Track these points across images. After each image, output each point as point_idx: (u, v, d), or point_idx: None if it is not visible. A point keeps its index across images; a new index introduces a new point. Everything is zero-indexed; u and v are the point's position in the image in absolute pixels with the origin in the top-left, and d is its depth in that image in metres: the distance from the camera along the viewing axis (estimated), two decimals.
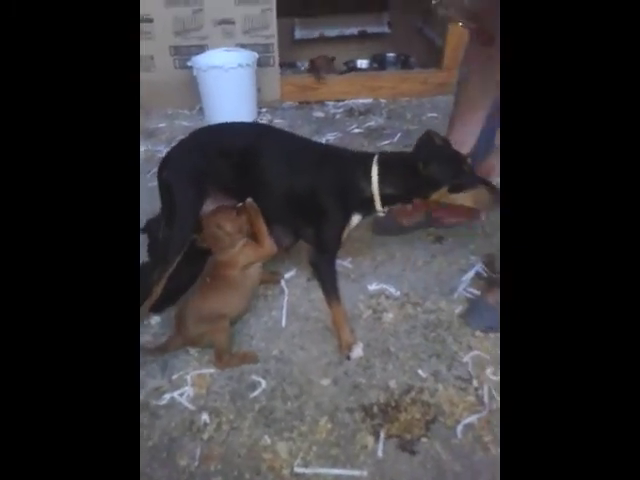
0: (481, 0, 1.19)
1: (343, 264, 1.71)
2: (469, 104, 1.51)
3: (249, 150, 1.41)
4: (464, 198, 1.26)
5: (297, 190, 1.36)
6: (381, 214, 1.38)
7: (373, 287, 1.61)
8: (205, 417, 1.21)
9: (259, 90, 2.94)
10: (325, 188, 1.33)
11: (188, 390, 1.28)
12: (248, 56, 2.78)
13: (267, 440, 1.16)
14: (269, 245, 1.39)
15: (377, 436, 1.16)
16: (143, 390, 1.27)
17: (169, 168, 1.45)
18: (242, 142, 1.43)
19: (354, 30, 3.71)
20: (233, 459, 1.13)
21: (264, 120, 2.90)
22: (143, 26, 2.81)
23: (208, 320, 1.31)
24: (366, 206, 1.33)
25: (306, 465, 1.11)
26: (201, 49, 2.92)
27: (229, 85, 2.72)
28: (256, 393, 1.27)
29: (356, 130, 2.73)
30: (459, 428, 1.17)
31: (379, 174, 1.29)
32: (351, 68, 3.40)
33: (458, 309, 1.51)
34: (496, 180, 1.23)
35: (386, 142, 2.54)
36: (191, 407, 1.24)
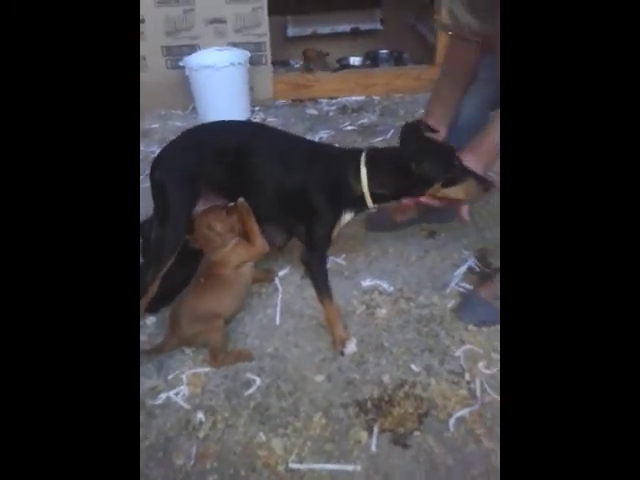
0: (492, 24, 1.19)
1: (337, 261, 1.73)
2: (440, 98, 1.53)
3: (241, 149, 1.42)
4: (456, 192, 1.27)
5: (288, 188, 1.37)
6: (373, 211, 1.39)
7: (367, 283, 1.62)
8: (200, 416, 1.22)
9: (252, 89, 2.94)
10: (316, 186, 1.33)
11: (183, 389, 1.29)
12: (240, 55, 2.78)
13: (262, 437, 1.17)
14: (261, 244, 1.39)
15: (371, 431, 1.17)
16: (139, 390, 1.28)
17: (161, 168, 1.45)
18: (234, 141, 1.44)
19: (347, 27, 3.71)
20: (229, 457, 1.14)
21: (257, 118, 2.91)
22: None
23: (202, 320, 1.32)
24: (357, 203, 1.34)
25: (301, 461, 1.12)
26: (193, 49, 2.92)
27: (221, 84, 2.72)
28: (251, 391, 1.28)
29: (349, 127, 2.74)
30: (451, 421, 1.18)
31: (368, 173, 1.29)
32: (344, 65, 3.41)
33: (451, 304, 1.52)
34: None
35: (379, 139, 2.55)
36: (187, 406, 1.25)
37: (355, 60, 3.48)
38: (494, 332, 1.41)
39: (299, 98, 3.12)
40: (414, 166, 1.23)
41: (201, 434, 1.18)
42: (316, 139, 2.59)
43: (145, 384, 1.30)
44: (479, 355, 1.35)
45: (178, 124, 2.84)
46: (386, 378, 1.30)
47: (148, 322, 1.49)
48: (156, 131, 2.77)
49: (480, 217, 1.89)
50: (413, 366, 1.32)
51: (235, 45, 2.93)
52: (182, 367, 1.35)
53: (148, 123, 2.85)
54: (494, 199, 1.95)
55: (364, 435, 1.17)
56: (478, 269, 1.66)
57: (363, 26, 3.74)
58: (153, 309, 1.48)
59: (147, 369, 1.33)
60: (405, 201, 1.32)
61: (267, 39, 2.97)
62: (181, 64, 2.76)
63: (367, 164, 1.30)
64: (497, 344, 1.37)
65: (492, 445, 1.13)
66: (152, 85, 2.91)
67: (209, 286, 1.36)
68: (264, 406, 1.24)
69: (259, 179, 1.41)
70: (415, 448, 1.14)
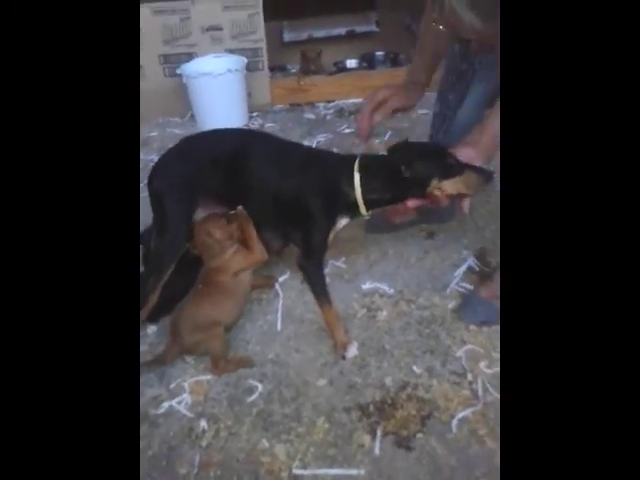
0: (494, 23, 1.19)
1: (337, 264, 1.73)
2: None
3: (238, 156, 1.42)
4: (456, 185, 1.25)
5: (284, 194, 1.37)
6: (367, 217, 1.39)
7: (367, 286, 1.62)
8: (203, 424, 1.22)
9: (249, 94, 2.95)
10: (311, 192, 1.34)
11: (186, 398, 1.29)
12: (237, 61, 2.79)
13: (265, 444, 1.17)
14: (259, 252, 1.40)
15: (374, 434, 1.17)
16: (141, 399, 1.28)
17: (159, 177, 1.46)
18: (230, 148, 1.45)
19: (342, 30, 3.72)
20: (232, 464, 1.14)
21: (255, 124, 2.92)
22: None
23: (203, 328, 1.33)
24: (352, 209, 1.34)
25: (304, 466, 1.12)
26: (190, 56, 2.94)
27: (219, 91, 2.73)
28: (253, 397, 1.28)
29: (347, 130, 2.74)
30: (454, 422, 1.17)
31: (361, 179, 1.29)
32: (340, 68, 3.40)
33: (451, 304, 1.52)
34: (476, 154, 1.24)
35: (377, 141, 2.55)
36: (189, 414, 1.25)
37: (351, 63, 3.48)
38: (495, 332, 1.40)
39: (296, 102, 3.13)
40: (404, 169, 1.23)
41: (204, 442, 1.18)
42: (314, 143, 2.60)
43: (147, 393, 1.30)
44: (480, 355, 1.34)
45: (176, 132, 2.85)
46: (388, 381, 1.30)
47: (149, 331, 1.49)
48: (155, 139, 2.78)
49: (479, 216, 1.89)
50: (415, 368, 1.32)
51: (232, 52, 2.94)
52: (184, 375, 1.35)
53: (146, 131, 2.86)
54: (493, 198, 1.95)
55: (367, 439, 1.17)
56: (478, 268, 1.65)
57: (359, 29, 3.74)
58: (154, 318, 1.49)
59: (149, 378, 1.34)
60: (410, 203, 1.29)
61: (264, 45, 2.98)
62: (178, 72, 2.77)
63: (360, 171, 1.30)
64: (498, 343, 1.36)
65: (495, 445, 1.12)
66: (150, 93, 2.91)
67: (208, 293, 1.36)
68: (267, 412, 1.24)
69: (256, 185, 1.41)
70: (418, 450, 1.13)
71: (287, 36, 3.68)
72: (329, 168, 1.35)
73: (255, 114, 3.01)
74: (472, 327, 1.43)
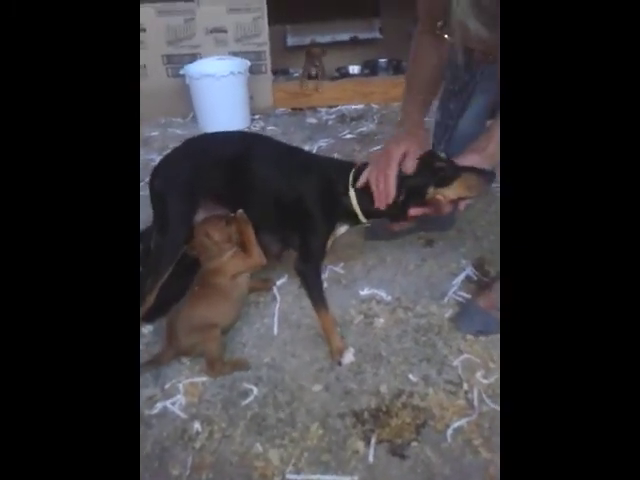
0: (494, 30, 1.19)
1: (335, 269, 1.73)
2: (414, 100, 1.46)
3: (240, 158, 1.43)
4: (456, 190, 1.24)
5: (284, 198, 1.37)
6: (367, 225, 1.39)
7: (364, 292, 1.62)
8: (197, 426, 1.22)
9: (252, 97, 2.96)
10: (310, 197, 1.34)
11: (180, 399, 1.28)
12: (240, 64, 2.81)
13: (259, 448, 1.17)
14: (258, 256, 1.40)
15: (368, 441, 1.17)
16: None
17: (161, 177, 1.46)
18: (233, 151, 1.45)
19: (346, 36, 3.74)
20: (225, 467, 1.13)
21: (257, 127, 2.92)
22: None
23: (199, 330, 1.32)
24: (351, 217, 1.34)
25: (298, 472, 1.12)
26: (194, 58, 2.95)
27: (221, 93, 2.75)
28: (248, 401, 1.27)
29: (348, 136, 2.75)
30: (449, 432, 1.17)
31: (356, 193, 1.29)
32: (343, 74, 3.43)
33: (448, 313, 1.52)
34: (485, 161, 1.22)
35: (378, 147, 2.56)
36: (183, 416, 1.24)
37: (354, 69, 3.51)
38: (492, 342, 1.40)
39: (299, 107, 3.14)
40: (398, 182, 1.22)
41: (197, 444, 1.18)
42: (315, 148, 2.61)
43: (142, 393, 1.30)
44: (477, 365, 1.34)
45: (178, 132, 2.86)
46: (384, 388, 1.29)
47: (145, 331, 1.48)
48: (156, 139, 2.79)
49: (478, 225, 1.90)
50: (411, 376, 1.32)
51: (235, 54, 2.96)
52: (179, 376, 1.35)
53: (148, 131, 2.86)
54: (493, 207, 1.96)
55: (361, 445, 1.16)
56: (476, 278, 1.66)
57: (362, 35, 3.77)
58: (150, 318, 1.48)
59: (144, 378, 1.33)
60: (413, 212, 1.28)
61: (267, 48, 3.00)
62: (182, 73, 2.78)
63: (355, 184, 1.29)
64: (495, 354, 1.37)
65: (490, 455, 1.12)
66: (152, 93, 2.93)
67: (204, 295, 1.36)
68: (261, 416, 1.24)
69: (257, 188, 1.42)
70: (412, 459, 1.13)
71: (291, 40, 3.70)
72: (328, 175, 1.35)
73: (257, 117, 3.02)
74: (469, 336, 1.43)
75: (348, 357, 1.36)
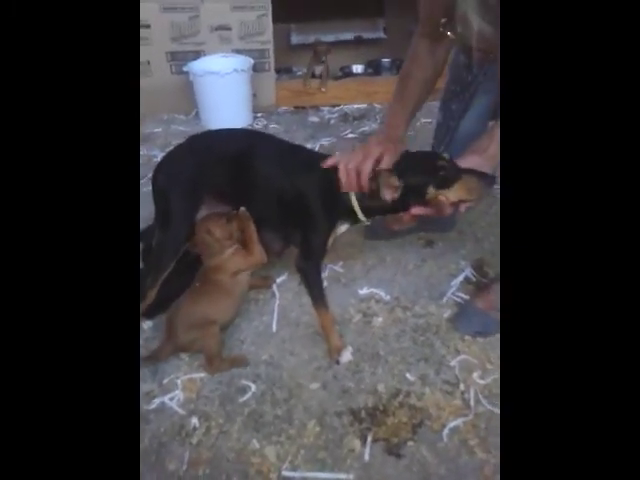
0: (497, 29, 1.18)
1: (334, 268, 1.73)
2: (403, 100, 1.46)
3: (243, 156, 1.43)
4: (457, 192, 1.22)
5: (287, 195, 1.37)
6: (367, 223, 1.39)
7: (364, 291, 1.63)
8: (194, 421, 1.22)
9: (255, 95, 2.96)
10: (312, 194, 1.34)
11: (178, 394, 1.29)
12: (244, 61, 2.80)
13: (255, 444, 1.17)
14: (259, 254, 1.40)
15: (364, 440, 1.17)
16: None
17: (163, 174, 1.46)
18: (236, 148, 1.45)
19: (350, 35, 3.73)
20: (221, 463, 1.14)
21: (259, 125, 2.93)
22: (140, 32, 2.83)
23: (198, 326, 1.33)
24: (351, 215, 1.34)
25: (294, 469, 1.12)
26: (198, 55, 2.95)
27: (225, 90, 2.75)
28: (246, 397, 1.28)
29: (350, 135, 2.75)
30: (445, 432, 1.18)
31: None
32: (346, 73, 3.42)
33: (447, 313, 1.52)
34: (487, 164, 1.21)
35: None
36: (181, 411, 1.25)
37: (357, 68, 3.50)
38: (489, 343, 1.41)
39: (301, 105, 3.14)
40: (398, 180, 1.22)
41: (194, 440, 1.18)
42: (317, 146, 2.61)
43: (140, 389, 1.30)
44: (474, 365, 1.35)
45: (181, 129, 2.86)
46: (381, 387, 1.30)
47: (145, 327, 1.49)
48: (159, 135, 2.79)
49: (479, 227, 1.90)
50: (408, 375, 1.33)
51: (239, 52, 2.96)
52: (177, 372, 1.35)
53: (151, 127, 2.86)
54: (493, 209, 1.96)
55: (358, 444, 1.17)
56: (475, 279, 1.66)
57: (366, 35, 3.75)
58: (150, 314, 1.49)
59: (142, 373, 1.34)
60: (414, 211, 1.26)
61: (271, 46, 3.00)
62: (185, 69, 2.78)
63: None
64: (492, 354, 1.37)
65: (485, 456, 1.13)
66: (156, 90, 2.93)
67: (204, 292, 1.37)
68: (258, 413, 1.24)
69: (259, 185, 1.42)
70: (408, 458, 1.14)
71: (295, 39, 3.70)
72: (329, 173, 1.35)
73: (259, 115, 3.02)
74: (467, 337, 1.43)
75: (346, 356, 1.37)
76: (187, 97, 2.93)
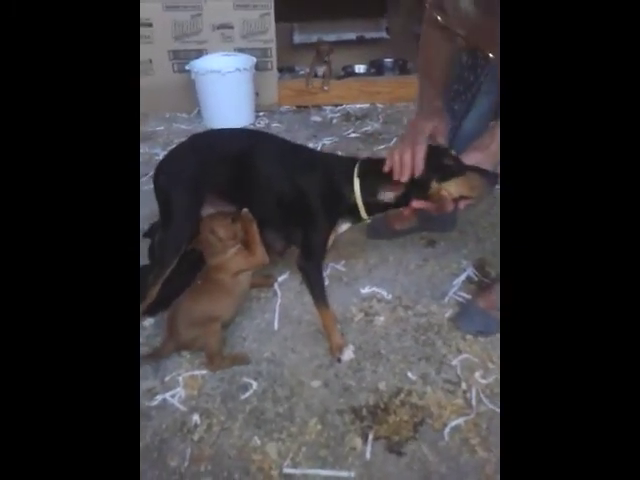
0: (483, 13, 1.19)
1: (336, 267, 1.73)
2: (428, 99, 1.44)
3: (245, 155, 1.43)
4: (458, 186, 1.23)
5: (288, 194, 1.38)
6: (368, 222, 1.39)
7: (365, 290, 1.63)
8: (196, 418, 1.22)
9: (257, 94, 2.96)
10: (313, 193, 1.34)
11: (180, 391, 1.29)
12: (246, 60, 2.81)
13: (257, 441, 1.17)
14: (261, 255, 1.40)
15: (365, 438, 1.17)
16: None
17: (165, 173, 1.47)
18: (238, 147, 1.45)
19: (352, 35, 3.73)
20: (223, 460, 1.14)
21: (261, 124, 2.93)
22: (142, 30, 2.84)
23: (200, 324, 1.33)
24: (353, 213, 1.34)
25: (295, 466, 1.12)
26: (200, 53, 2.96)
27: (227, 89, 2.75)
28: (247, 395, 1.28)
29: (353, 135, 2.76)
30: (446, 430, 1.18)
31: (361, 183, 1.29)
32: (349, 73, 3.43)
33: (448, 313, 1.52)
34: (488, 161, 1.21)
35: (382, 147, 2.56)
36: (182, 408, 1.25)
37: (360, 68, 3.51)
38: (491, 342, 1.41)
39: (304, 105, 3.14)
40: None
41: (196, 436, 1.19)
42: (319, 146, 2.61)
43: (141, 385, 1.30)
44: (475, 365, 1.35)
45: (183, 127, 2.87)
46: (382, 386, 1.30)
47: (147, 324, 1.49)
48: (161, 134, 2.79)
49: (480, 227, 1.90)
50: (410, 374, 1.33)
51: (242, 50, 2.96)
52: (179, 369, 1.36)
53: (153, 125, 2.87)
54: (495, 209, 1.96)
55: (359, 442, 1.17)
56: (476, 278, 1.66)
57: (369, 34, 3.76)
58: (152, 312, 1.49)
59: (144, 370, 1.34)
60: (415, 204, 1.27)
61: (273, 45, 3.00)
62: (187, 68, 2.78)
63: (360, 175, 1.29)
64: (493, 354, 1.37)
65: (486, 455, 1.13)
66: (158, 88, 2.93)
67: (206, 290, 1.37)
68: (260, 410, 1.25)
69: (261, 184, 1.42)
70: (409, 456, 1.14)
71: (297, 38, 3.70)
72: (331, 171, 1.35)
73: (261, 114, 3.03)
74: (468, 336, 1.43)
75: (348, 354, 1.37)
76: (189, 96, 2.93)
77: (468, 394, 1.27)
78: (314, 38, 3.46)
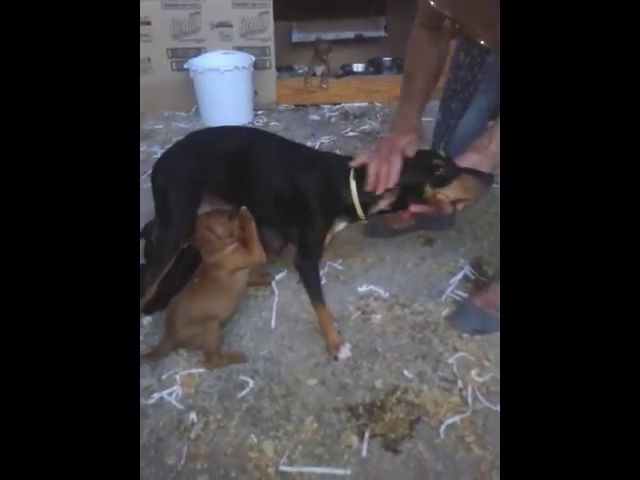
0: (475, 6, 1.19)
1: (334, 266, 1.74)
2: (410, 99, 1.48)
3: (242, 153, 1.43)
4: (454, 190, 1.23)
5: (285, 193, 1.38)
6: (365, 222, 1.39)
7: (363, 289, 1.63)
8: (193, 416, 1.23)
9: (255, 93, 2.96)
10: (310, 192, 1.34)
11: (177, 389, 1.30)
12: (244, 59, 2.81)
13: (253, 439, 1.18)
14: (258, 253, 1.40)
15: (362, 436, 1.18)
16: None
17: (163, 171, 1.47)
18: (236, 145, 1.45)
19: (351, 34, 3.73)
20: (219, 458, 1.14)
21: (260, 122, 2.93)
22: (141, 29, 2.84)
23: (197, 322, 1.33)
24: (350, 213, 1.34)
25: (291, 464, 1.13)
26: (198, 52, 2.95)
27: (225, 87, 2.75)
28: (244, 393, 1.29)
29: (351, 133, 2.76)
30: (442, 428, 1.18)
31: (357, 185, 1.28)
32: (347, 72, 3.43)
33: (445, 311, 1.53)
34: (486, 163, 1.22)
35: None
36: (179, 406, 1.25)
37: (358, 67, 3.51)
38: (487, 340, 1.41)
39: (302, 103, 3.14)
40: None
41: (193, 434, 1.19)
42: (318, 144, 2.61)
43: (139, 384, 1.31)
44: (472, 363, 1.35)
45: (181, 125, 2.87)
46: (379, 383, 1.30)
47: (144, 322, 1.49)
48: (159, 132, 2.79)
49: (478, 226, 1.91)
50: (406, 372, 1.33)
51: (240, 49, 2.96)
52: (176, 367, 1.36)
53: (151, 124, 2.87)
54: (492, 208, 1.97)
55: (355, 440, 1.17)
56: (473, 277, 1.67)
57: (367, 33, 3.76)
58: (149, 310, 1.49)
59: (142, 369, 1.34)
60: (413, 208, 1.27)
61: (272, 44, 3.00)
62: (186, 66, 2.78)
63: (357, 177, 1.29)
64: (490, 352, 1.38)
65: (482, 452, 1.13)
66: (156, 86, 2.93)
67: (203, 288, 1.37)
68: (256, 408, 1.25)
69: (258, 183, 1.42)
70: (405, 454, 1.14)
71: (296, 37, 3.70)
72: (329, 170, 1.35)
73: (260, 112, 3.03)
74: (465, 335, 1.44)
75: (344, 352, 1.38)
76: (188, 94, 2.93)
77: (464, 392, 1.27)
78: (313, 37, 3.46)
